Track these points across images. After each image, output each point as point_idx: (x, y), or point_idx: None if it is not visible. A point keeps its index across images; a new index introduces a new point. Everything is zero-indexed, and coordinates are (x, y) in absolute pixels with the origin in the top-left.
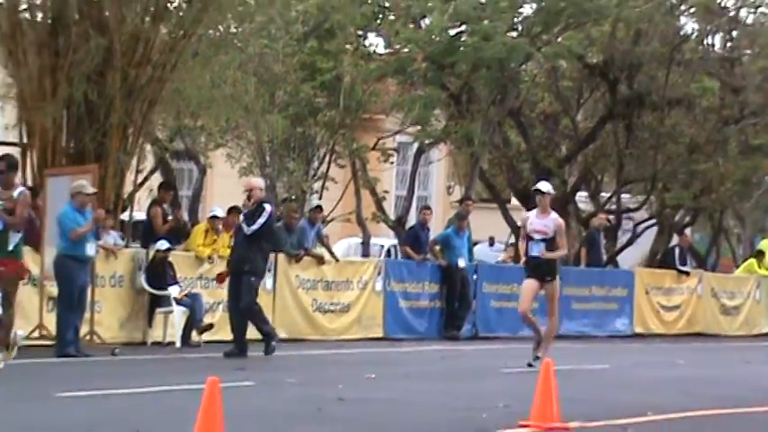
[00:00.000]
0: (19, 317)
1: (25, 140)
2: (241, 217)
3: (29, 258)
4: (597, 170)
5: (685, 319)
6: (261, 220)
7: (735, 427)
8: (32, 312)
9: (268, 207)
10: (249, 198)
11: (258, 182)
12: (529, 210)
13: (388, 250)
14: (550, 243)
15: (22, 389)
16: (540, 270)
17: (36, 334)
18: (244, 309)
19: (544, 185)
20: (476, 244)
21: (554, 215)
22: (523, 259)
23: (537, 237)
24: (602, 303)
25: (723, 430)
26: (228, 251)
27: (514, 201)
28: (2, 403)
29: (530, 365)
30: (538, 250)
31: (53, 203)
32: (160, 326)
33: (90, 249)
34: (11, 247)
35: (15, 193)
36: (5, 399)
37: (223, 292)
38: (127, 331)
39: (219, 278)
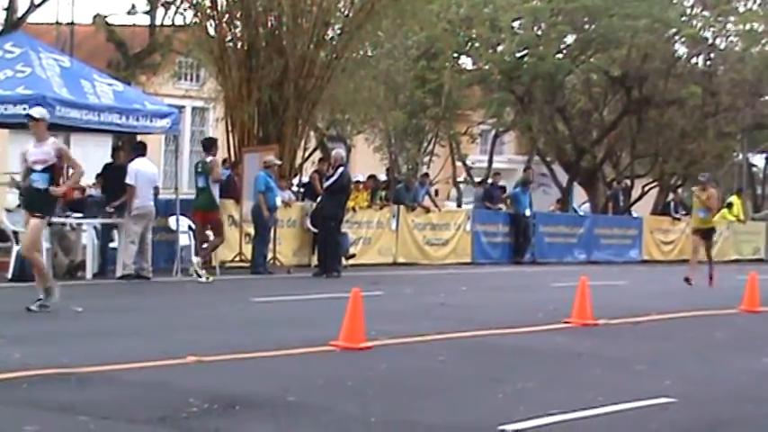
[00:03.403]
0: (224, 247)
1: (230, 129)
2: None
3: (232, 208)
4: (617, 149)
5: (677, 250)
6: (333, 178)
7: (709, 324)
8: (234, 244)
9: (340, 169)
10: (329, 165)
11: (337, 152)
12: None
13: None
14: (54, 171)
15: (229, 295)
16: (33, 205)
17: (237, 259)
18: (324, 242)
19: (36, 111)
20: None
21: (52, 140)
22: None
23: (38, 167)
24: (621, 239)
25: (702, 325)
26: (365, 204)
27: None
28: (216, 305)
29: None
30: (42, 180)
31: (248, 171)
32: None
33: (277, 201)
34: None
35: (208, 159)
36: (219, 302)
37: (361, 230)
38: (298, 257)
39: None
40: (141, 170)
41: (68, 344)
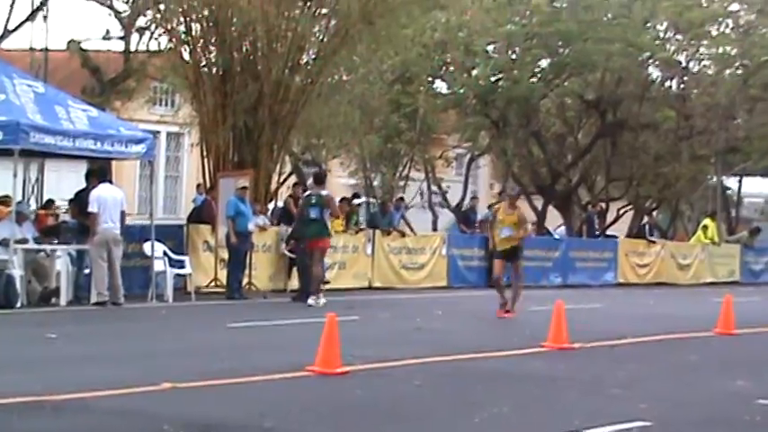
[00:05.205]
0: (199, 272)
1: (205, 154)
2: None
3: (207, 233)
4: (592, 172)
5: (653, 273)
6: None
7: (684, 347)
8: (210, 269)
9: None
10: (305, 190)
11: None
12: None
13: None
14: None
15: (204, 321)
16: None
17: (212, 284)
18: (299, 265)
19: None
20: None
21: None
22: None
23: None
24: (596, 263)
25: (677, 348)
26: (341, 229)
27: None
28: (191, 331)
29: None
30: None
31: (223, 196)
32: (295, 278)
33: (249, 226)
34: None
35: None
36: (194, 328)
37: (336, 255)
38: (273, 282)
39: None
40: (102, 196)
41: (42, 371)
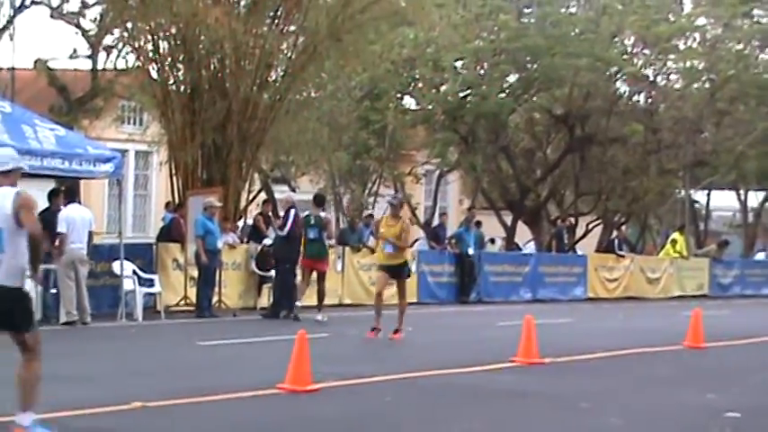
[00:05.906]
0: (169, 291)
1: (173, 172)
2: (278, 223)
3: (176, 252)
4: (561, 187)
5: (622, 287)
6: (288, 224)
7: (654, 360)
8: (179, 287)
9: (293, 211)
10: (274, 208)
11: (288, 195)
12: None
13: None
14: None
15: (174, 340)
16: None
17: (182, 302)
18: (278, 284)
19: None
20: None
21: None
22: None
23: None
24: (565, 277)
25: (647, 362)
26: None
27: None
28: (161, 349)
29: None
30: None
31: (193, 214)
32: (266, 296)
33: (218, 244)
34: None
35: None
36: (164, 346)
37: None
38: (243, 300)
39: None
40: (71, 216)
41: (11, 391)
